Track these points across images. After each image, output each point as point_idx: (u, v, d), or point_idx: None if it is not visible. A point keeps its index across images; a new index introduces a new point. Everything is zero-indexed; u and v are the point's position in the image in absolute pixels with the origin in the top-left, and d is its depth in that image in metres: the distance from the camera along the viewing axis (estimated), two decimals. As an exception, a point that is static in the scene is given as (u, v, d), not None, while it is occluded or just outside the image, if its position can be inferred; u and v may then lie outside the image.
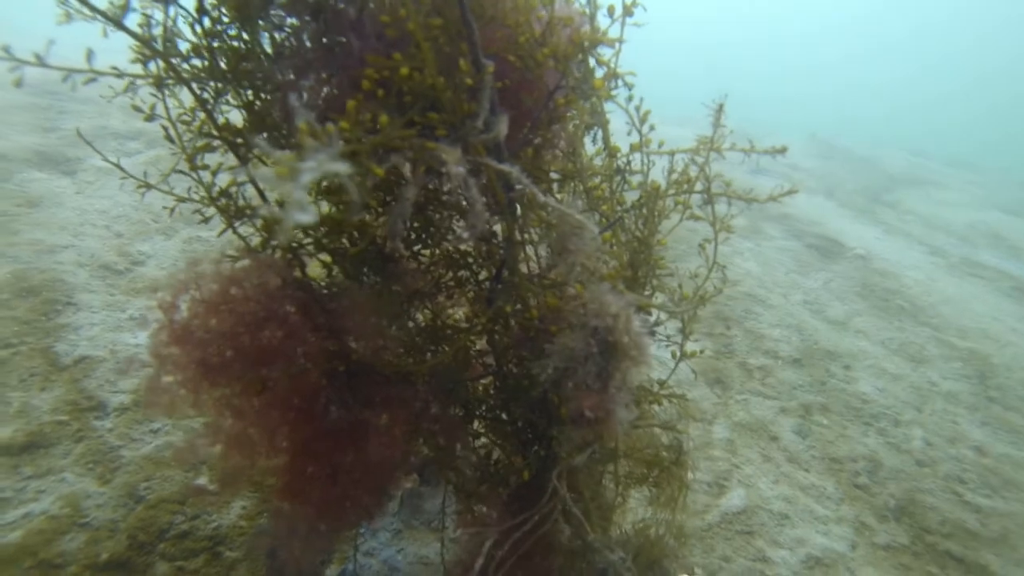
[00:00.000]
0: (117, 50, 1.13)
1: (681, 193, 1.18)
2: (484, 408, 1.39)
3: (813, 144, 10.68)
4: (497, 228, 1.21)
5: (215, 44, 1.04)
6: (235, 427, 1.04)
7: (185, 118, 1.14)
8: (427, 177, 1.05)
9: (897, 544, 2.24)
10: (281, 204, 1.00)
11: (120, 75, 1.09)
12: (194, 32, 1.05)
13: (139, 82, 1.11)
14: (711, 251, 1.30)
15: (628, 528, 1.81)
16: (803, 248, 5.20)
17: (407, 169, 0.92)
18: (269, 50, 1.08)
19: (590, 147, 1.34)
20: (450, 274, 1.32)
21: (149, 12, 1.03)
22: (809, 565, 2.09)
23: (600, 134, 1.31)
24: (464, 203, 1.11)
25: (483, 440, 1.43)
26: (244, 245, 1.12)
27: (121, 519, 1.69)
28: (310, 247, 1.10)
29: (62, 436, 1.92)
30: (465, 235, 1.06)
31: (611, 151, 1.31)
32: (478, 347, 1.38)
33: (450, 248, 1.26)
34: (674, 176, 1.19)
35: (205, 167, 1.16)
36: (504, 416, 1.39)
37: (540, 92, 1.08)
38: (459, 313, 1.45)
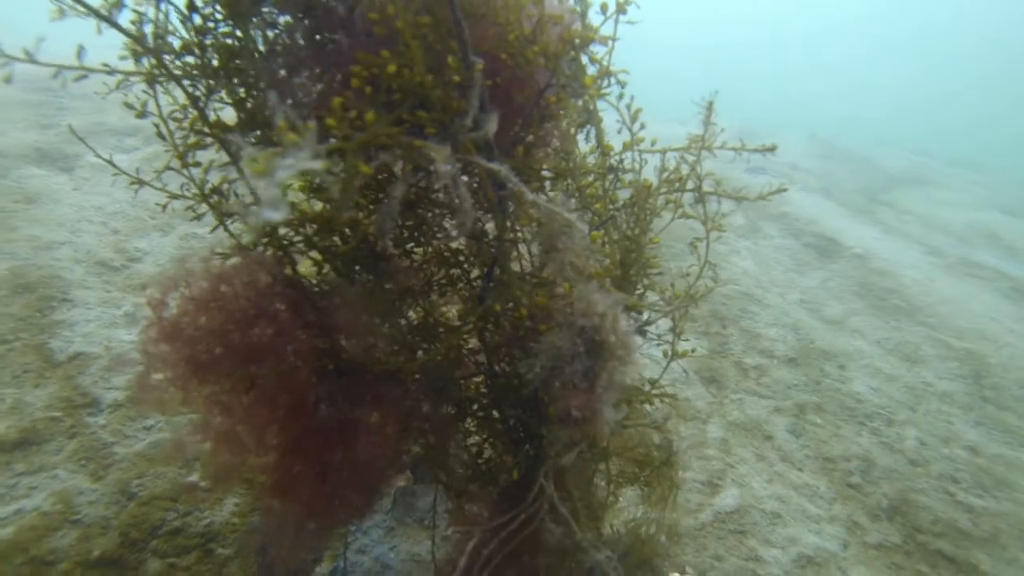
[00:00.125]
0: (112, 46, 1.13)
1: (672, 192, 1.18)
2: (476, 407, 1.39)
3: (814, 144, 10.68)
4: (490, 226, 1.21)
5: (207, 41, 1.03)
6: (224, 424, 1.04)
7: (177, 115, 1.14)
8: (416, 175, 1.05)
9: (889, 543, 2.25)
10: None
11: (111, 72, 1.08)
12: (185, 29, 1.05)
13: (132, 79, 1.11)
14: (704, 250, 1.30)
15: (620, 527, 1.82)
16: (801, 247, 5.20)
17: (399, 167, 0.92)
18: (262, 47, 1.08)
19: (583, 145, 1.34)
20: (442, 272, 1.32)
21: (141, 9, 1.03)
22: (801, 564, 2.10)
23: (592, 132, 1.31)
24: (454, 201, 1.11)
25: (474, 438, 1.43)
26: (235, 242, 1.12)
27: (113, 516, 1.69)
28: (300, 245, 1.10)
29: (55, 432, 1.92)
30: (454, 233, 1.06)
31: (604, 149, 1.31)
32: (470, 345, 1.39)
33: (442, 246, 1.26)
34: (666, 175, 1.19)
35: (197, 164, 1.16)
36: (495, 414, 1.39)
37: (531, 90, 1.08)
38: (452, 311, 1.45)
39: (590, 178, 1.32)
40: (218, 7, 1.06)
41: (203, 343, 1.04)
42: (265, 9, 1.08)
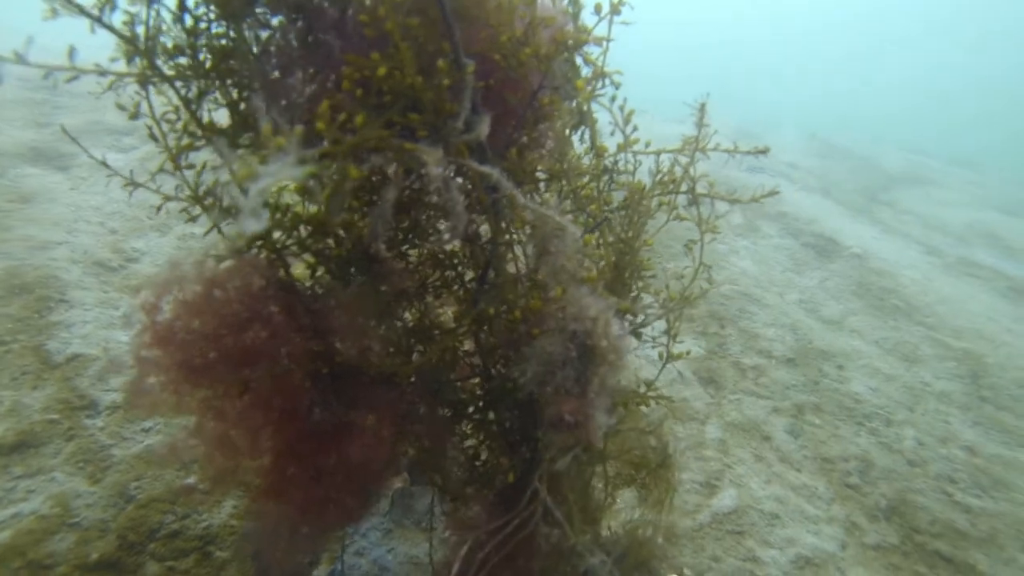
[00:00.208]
0: (107, 45, 1.12)
1: (666, 194, 1.17)
2: (472, 409, 1.39)
3: (813, 143, 10.67)
4: (484, 228, 1.21)
5: (199, 42, 1.03)
6: (217, 428, 1.03)
7: (170, 116, 1.13)
8: (408, 178, 1.05)
9: (887, 544, 2.25)
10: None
11: (102, 73, 1.08)
12: (177, 30, 1.04)
13: (125, 80, 1.11)
14: (699, 251, 1.29)
15: (618, 528, 1.81)
16: (799, 247, 5.20)
17: (392, 168, 0.92)
18: (255, 48, 1.08)
19: (578, 146, 1.33)
20: (437, 274, 1.32)
21: (133, 10, 1.02)
22: (799, 565, 2.10)
23: (586, 133, 1.30)
24: (446, 204, 1.10)
25: (471, 441, 1.43)
26: (229, 245, 1.12)
27: (111, 519, 1.69)
28: (294, 248, 1.10)
29: (53, 435, 1.92)
30: (447, 237, 1.05)
31: (598, 150, 1.30)
32: (465, 348, 1.38)
33: (436, 248, 1.26)
34: (659, 176, 1.19)
35: (191, 166, 1.16)
36: (491, 417, 1.39)
37: (524, 91, 1.08)
38: (449, 312, 1.44)
39: (585, 179, 1.32)
40: (211, 7, 1.05)
41: (196, 347, 1.03)
42: (259, 10, 1.08)
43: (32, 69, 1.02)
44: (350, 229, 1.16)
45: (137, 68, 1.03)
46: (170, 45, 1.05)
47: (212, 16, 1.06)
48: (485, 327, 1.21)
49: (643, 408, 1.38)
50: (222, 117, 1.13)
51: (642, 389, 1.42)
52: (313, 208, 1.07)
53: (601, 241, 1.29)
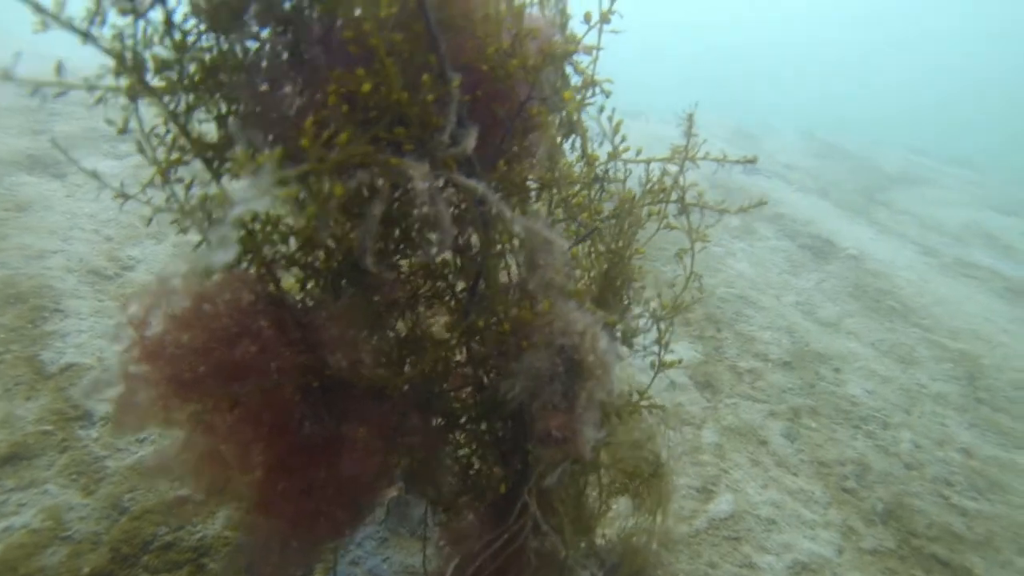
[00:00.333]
0: (100, 54, 1.12)
1: (656, 203, 1.17)
2: (464, 419, 1.39)
3: (811, 144, 10.69)
4: (476, 238, 1.20)
5: (185, 57, 1.03)
6: (207, 443, 1.03)
7: (159, 130, 1.13)
8: (396, 191, 1.05)
9: (884, 548, 2.25)
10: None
11: (91, 88, 1.08)
12: (165, 44, 1.04)
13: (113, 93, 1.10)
14: (697, 258, 1.30)
15: (613, 536, 1.81)
16: (796, 248, 5.20)
17: (380, 183, 0.92)
18: (244, 61, 1.08)
19: (568, 154, 1.33)
20: (428, 285, 1.32)
21: (120, 25, 1.02)
22: (796, 571, 2.10)
23: (576, 142, 1.30)
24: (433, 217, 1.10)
25: (463, 451, 1.43)
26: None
27: (104, 531, 1.68)
28: (283, 262, 1.10)
29: (46, 446, 1.91)
30: (433, 251, 1.05)
31: (589, 159, 1.30)
32: (458, 358, 1.38)
33: (427, 259, 1.26)
34: (649, 186, 1.19)
35: (180, 180, 1.15)
36: (484, 427, 1.38)
37: (512, 103, 1.08)
38: (441, 322, 1.44)
39: (576, 188, 1.32)
40: (200, 21, 1.05)
41: (186, 362, 1.03)
42: (248, 23, 1.07)
43: (26, 74, 1.02)
44: (340, 242, 1.15)
45: (125, 83, 1.03)
46: (158, 59, 1.05)
47: (200, 29, 1.06)
48: (476, 338, 1.21)
49: (636, 417, 1.38)
50: (212, 128, 1.13)
51: (635, 398, 1.41)
52: (302, 221, 1.07)
53: (592, 250, 1.29)
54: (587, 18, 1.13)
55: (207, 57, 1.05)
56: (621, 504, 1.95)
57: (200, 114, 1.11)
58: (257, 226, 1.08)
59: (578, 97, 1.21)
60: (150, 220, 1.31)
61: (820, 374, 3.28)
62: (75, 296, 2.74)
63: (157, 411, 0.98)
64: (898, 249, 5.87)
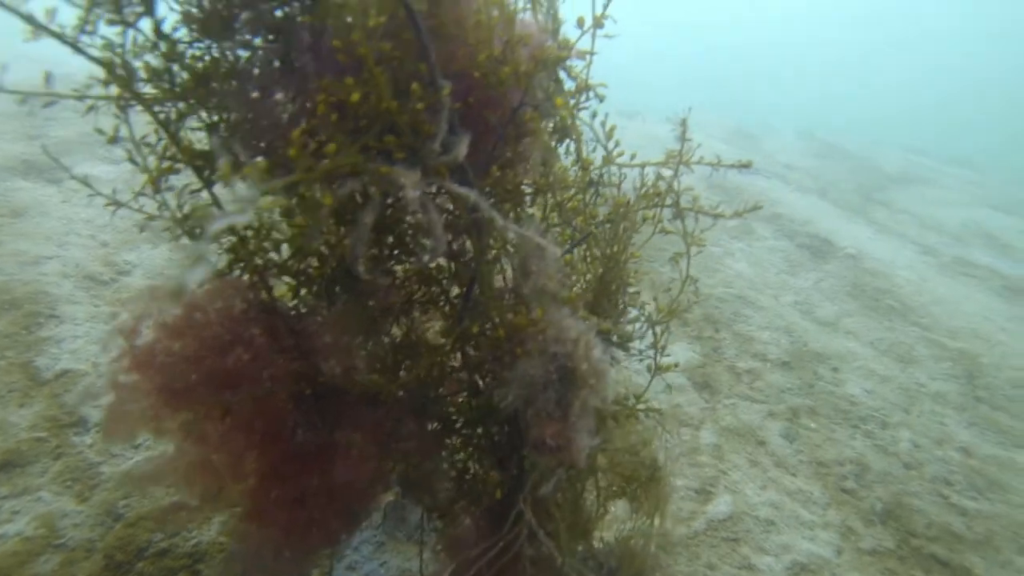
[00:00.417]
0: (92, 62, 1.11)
1: (650, 207, 1.17)
2: (461, 422, 1.38)
3: (811, 143, 10.69)
4: (470, 243, 1.20)
5: (174, 67, 1.02)
6: (199, 453, 1.02)
7: (149, 140, 1.12)
8: (387, 199, 1.04)
9: (883, 548, 2.24)
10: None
11: (80, 97, 1.07)
12: (155, 53, 1.03)
13: (104, 101, 1.10)
14: (696, 258, 1.29)
15: (611, 539, 1.80)
16: (794, 248, 5.20)
17: (372, 190, 0.91)
18: (236, 68, 1.07)
19: (563, 158, 1.33)
20: (422, 290, 1.31)
21: (110, 36, 1.02)
22: (795, 572, 2.09)
23: (571, 146, 1.30)
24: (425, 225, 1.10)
25: (459, 455, 1.42)
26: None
27: (98, 538, 1.68)
28: (275, 270, 1.09)
29: (40, 453, 1.90)
30: (426, 258, 1.05)
31: (583, 163, 1.30)
32: (453, 363, 1.37)
33: (421, 265, 1.25)
34: (644, 190, 1.18)
35: (171, 188, 1.15)
36: (480, 431, 1.38)
37: (505, 109, 1.07)
38: (436, 326, 1.44)
39: (571, 191, 1.32)
40: (191, 29, 1.05)
41: (177, 370, 1.02)
42: (239, 32, 1.07)
43: (21, 79, 1.02)
44: (334, 248, 1.15)
45: (114, 93, 1.03)
46: (149, 68, 1.04)
47: (191, 38, 1.05)
48: (471, 344, 1.21)
49: (632, 421, 1.38)
50: (204, 136, 1.12)
51: (631, 402, 1.41)
52: (293, 229, 1.06)
53: (588, 254, 1.28)
54: (580, 23, 1.13)
55: (199, 65, 1.05)
56: (619, 507, 1.94)
57: (193, 121, 1.10)
58: (249, 233, 1.08)
59: (572, 102, 1.21)
60: (143, 228, 1.31)
61: (819, 374, 3.28)
62: (70, 301, 2.73)
63: (147, 421, 0.98)
64: (897, 248, 5.87)
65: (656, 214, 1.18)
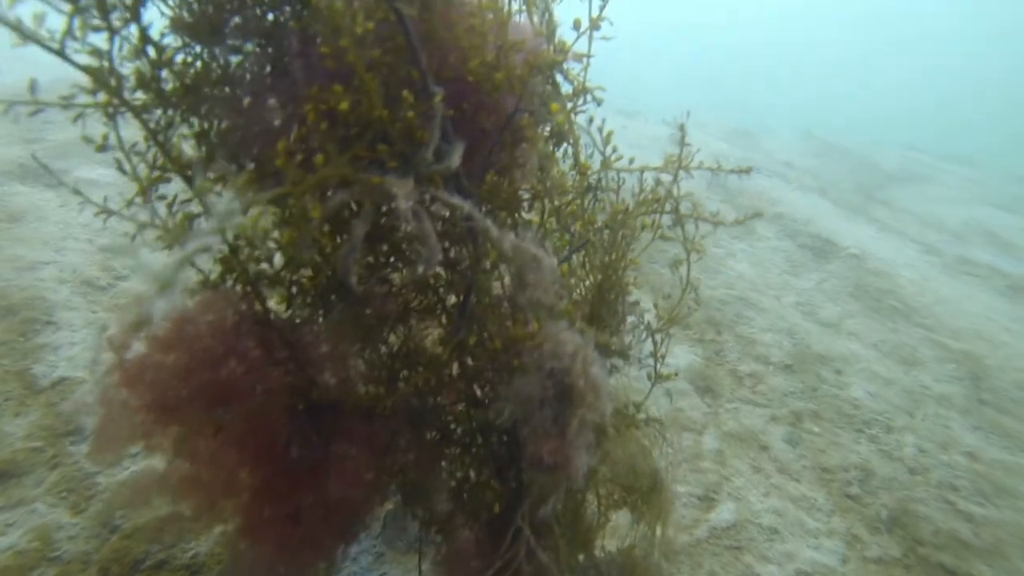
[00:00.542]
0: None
1: (649, 214, 1.15)
2: (460, 431, 1.36)
3: (810, 142, 10.65)
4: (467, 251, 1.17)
5: (162, 75, 1.00)
6: (190, 469, 1.00)
7: (139, 148, 1.10)
8: (381, 208, 1.02)
9: (889, 557, 2.21)
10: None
11: (67, 105, 1.05)
12: (142, 60, 1.01)
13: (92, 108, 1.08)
14: (688, 271, 1.26)
15: (613, 549, 1.78)
16: (796, 248, 5.17)
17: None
18: (227, 74, 1.05)
19: (561, 163, 1.30)
20: (418, 299, 1.29)
21: (96, 43, 1.00)
22: (799, 580, 2.06)
23: (569, 150, 1.27)
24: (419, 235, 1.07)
25: (458, 464, 1.39)
26: (202, 278, 1.09)
27: (94, 551, 1.65)
28: (267, 282, 1.07)
29: (36, 464, 1.88)
30: (420, 270, 1.02)
31: (581, 168, 1.27)
32: (451, 372, 1.35)
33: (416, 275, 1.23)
34: (642, 196, 1.16)
35: (162, 198, 1.13)
36: (480, 439, 1.35)
37: (500, 115, 1.05)
38: (435, 334, 1.41)
39: (569, 196, 1.29)
40: (179, 36, 1.03)
41: (168, 385, 1.00)
42: (229, 37, 1.05)
43: (17, 82, 1.00)
44: (328, 257, 1.13)
45: (101, 100, 1.01)
46: (139, 75, 1.02)
47: (181, 43, 1.03)
48: (468, 354, 1.18)
49: (632, 431, 1.35)
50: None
51: (631, 410, 1.38)
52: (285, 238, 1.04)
53: (586, 261, 1.26)
54: (576, 25, 1.10)
55: (191, 71, 1.02)
56: (621, 515, 1.91)
57: (184, 129, 1.08)
58: (242, 243, 1.05)
59: (569, 105, 1.18)
60: (134, 237, 1.29)
61: (822, 377, 3.25)
62: (68, 308, 2.71)
63: (137, 438, 0.95)
64: (899, 247, 5.83)
65: (655, 220, 1.16)
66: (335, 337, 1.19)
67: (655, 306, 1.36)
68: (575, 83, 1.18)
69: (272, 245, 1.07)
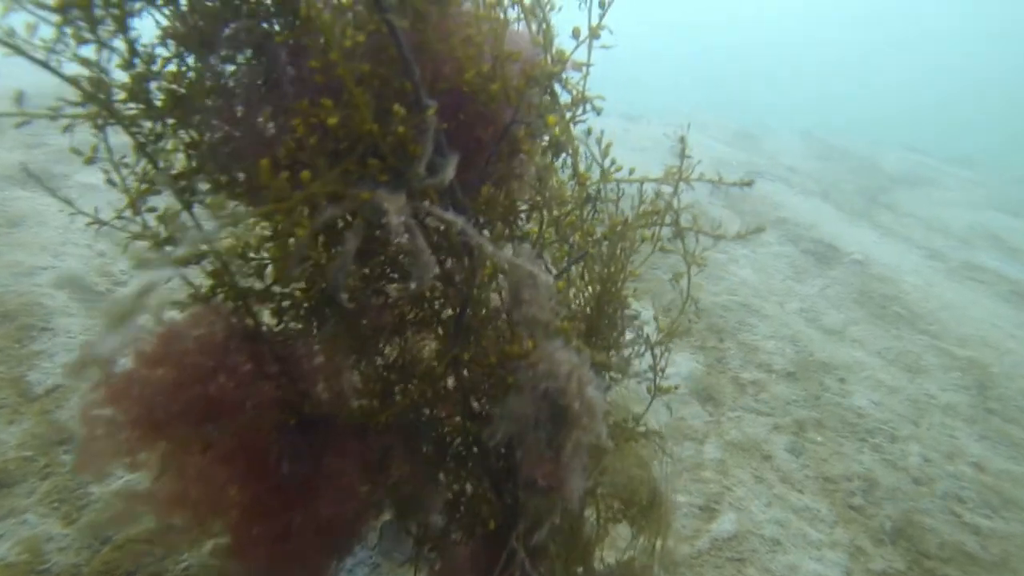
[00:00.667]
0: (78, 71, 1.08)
1: (649, 226, 1.12)
2: (456, 442, 1.33)
3: (812, 145, 10.61)
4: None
5: (149, 87, 0.98)
6: (178, 487, 0.98)
7: (128, 160, 1.09)
8: (371, 223, 1.00)
9: (893, 570, 2.17)
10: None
11: (55, 116, 1.04)
12: (131, 72, 1.00)
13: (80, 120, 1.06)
14: (688, 284, 1.24)
15: (612, 561, 1.75)
16: (799, 253, 5.13)
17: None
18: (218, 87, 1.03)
19: (561, 173, 1.28)
20: (415, 311, 1.27)
21: (84, 55, 0.98)
22: (802, 594, 2.03)
23: (568, 160, 1.25)
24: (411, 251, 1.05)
25: (453, 477, 1.37)
26: (192, 292, 1.07)
27: (84, 563, 1.63)
28: (255, 297, 1.05)
29: (28, 473, 1.86)
30: (413, 285, 1.00)
31: (580, 179, 1.25)
32: (447, 385, 1.33)
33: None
34: (642, 207, 1.13)
35: (152, 210, 1.11)
36: (476, 451, 1.33)
37: (496, 125, 1.03)
38: (431, 345, 1.39)
39: (568, 207, 1.27)
40: (169, 46, 1.01)
41: (156, 401, 0.98)
42: (221, 47, 1.03)
43: (17, 86, 0.99)
44: (322, 270, 1.10)
45: (90, 111, 0.99)
46: (129, 87, 1.00)
47: (174, 53, 1.02)
48: (464, 368, 1.16)
49: (631, 445, 1.32)
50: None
51: (629, 423, 1.36)
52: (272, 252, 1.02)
53: (585, 272, 1.24)
54: (575, 34, 1.08)
55: (184, 81, 1.01)
56: (621, 528, 1.88)
57: (173, 142, 1.07)
58: (233, 254, 1.03)
59: (568, 115, 1.16)
60: (126, 247, 1.27)
61: (825, 385, 3.21)
62: (65, 314, 2.70)
63: (122, 455, 0.93)
64: (903, 253, 5.78)
65: (655, 232, 1.14)
66: (330, 349, 1.17)
67: (655, 318, 1.33)
68: (574, 92, 1.16)
69: (265, 256, 1.05)
